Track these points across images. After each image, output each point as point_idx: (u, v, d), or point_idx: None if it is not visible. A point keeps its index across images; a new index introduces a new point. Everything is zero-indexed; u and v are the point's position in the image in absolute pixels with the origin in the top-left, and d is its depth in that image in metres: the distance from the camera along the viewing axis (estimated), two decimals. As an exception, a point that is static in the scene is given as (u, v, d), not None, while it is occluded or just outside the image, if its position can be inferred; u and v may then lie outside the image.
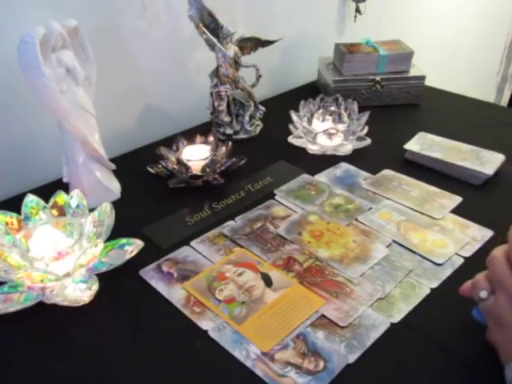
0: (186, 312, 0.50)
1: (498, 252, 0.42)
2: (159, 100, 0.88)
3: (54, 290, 0.51)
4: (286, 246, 0.59)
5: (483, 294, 0.42)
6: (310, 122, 0.80)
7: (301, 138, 0.80)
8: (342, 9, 1.14)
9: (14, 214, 0.55)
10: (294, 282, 0.54)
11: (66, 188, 0.64)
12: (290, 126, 0.81)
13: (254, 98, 0.86)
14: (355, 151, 0.78)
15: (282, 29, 1.01)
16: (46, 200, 0.58)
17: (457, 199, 0.67)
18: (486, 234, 0.60)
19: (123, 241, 0.57)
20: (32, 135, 0.72)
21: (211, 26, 0.76)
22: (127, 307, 0.52)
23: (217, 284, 0.53)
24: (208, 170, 0.69)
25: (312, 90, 1.02)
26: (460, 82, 1.57)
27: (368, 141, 0.78)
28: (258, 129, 0.87)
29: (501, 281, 0.40)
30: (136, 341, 0.48)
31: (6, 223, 0.54)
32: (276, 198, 0.69)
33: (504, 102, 2.07)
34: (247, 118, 0.86)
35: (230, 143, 0.74)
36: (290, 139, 0.81)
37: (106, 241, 0.56)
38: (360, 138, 0.79)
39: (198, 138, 0.74)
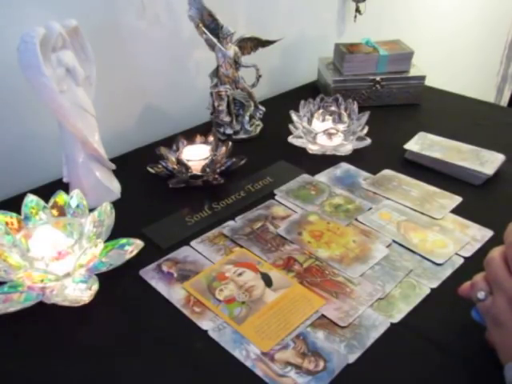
0: (186, 312, 0.50)
1: (495, 253, 0.42)
2: (159, 100, 0.88)
3: (54, 289, 0.51)
4: (286, 246, 0.59)
5: (481, 294, 0.42)
6: (310, 122, 0.80)
7: (301, 138, 0.80)
8: (342, 9, 1.14)
9: (14, 214, 0.55)
10: (294, 282, 0.54)
11: (66, 188, 0.64)
12: (290, 126, 0.81)
13: (253, 98, 0.86)
14: (355, 151, 0.78)
15: (282, 29, 1.01)
16: (46, 200, 0.58)
17: (457, 199, 0.67)
18: (486, 233, 0.60)
19: (123, 241, 0.57)
20: (32, 135, 0.72)
21: (211, 26, 0.76)
22: (127, 307, 0.52)
23: (217, 284, 0.53)
24: (208, 170, 0.69)
25: (312, 90, 1.02)
26: (460, 82, 1.57)
27: (368, 141, 0.78)
28: (258, 129, 0.87)
29: (498, 282, 0.41)
30: (136, 341, 0.48)
31: (6, 223, 0.54)
32: (276, 198, 0.69)
33: (504, 102, 2.07)
34: (247, 117, 0.86)
35: (230, 143, 0.73)
36: (290, 139, 0.81)
37: (106, 241, 0.57)
38: (360, 138, 0.79)
39: (198, 138, 0.74)
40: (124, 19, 0.76)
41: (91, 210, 0.58)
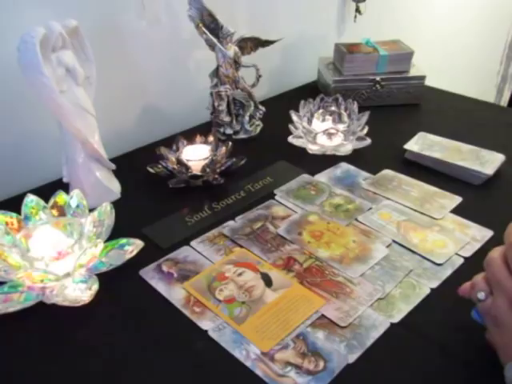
0: (186, 312, 0.50)
1: (495, 253, 0.42)
2: (159, 100, 0.88)
3: (54, 290, 0.51)
4: (286, 246, 0.59)
5: (481, 295, 0.42)
6: (310, 122, 0.80)
7: (301, 138, 0.80)
8: (342, 9, 1.14)
9: (14, 214, 0.55)
10: (293, 282, 0.54)
11: (66, 188, 0.64)
12: (290, 126, 0.81)
13: (253, 98, 0.86)
14: (355, 151, 0.78)
15: (282, 29, 1.01)
16: (46, 200, 0.58)
17: (457, 199, 0.67)
18: (486, 234, 0.60)
19: (123, 241, 0.57)
20: (32, 135, 0.72)
21: (211, 26, 0.76)
22: (127, 307, 0.52)
23: (217, 284, 0.53)
24: (208, 169, 0.69)
25: (312, 90, 1.02)
26: (460, 82, 1.57)
27: (368, 141, 0.78)
28: (258, 129, 0.87)
29: (498, 282, 0.40)
30: (136, 341, 0.48)
31: (6, 223, 0.54)
32: (276, 198, 0.69)
33: (504, 102, 2.07)
34: (247, 118, 0.86)
35: (230, 143, 0.73)
36: (290, 139, 0.81)
37: (106, 241, 0.57)
38: (360, 138, 0.79)
39: (198, 138, 0.74)
40: (124, 19, 0.76)
41: (91, 210, 0.58)
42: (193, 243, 0.60)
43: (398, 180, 0.72)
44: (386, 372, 0.44)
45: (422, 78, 0.96)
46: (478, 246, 0.58)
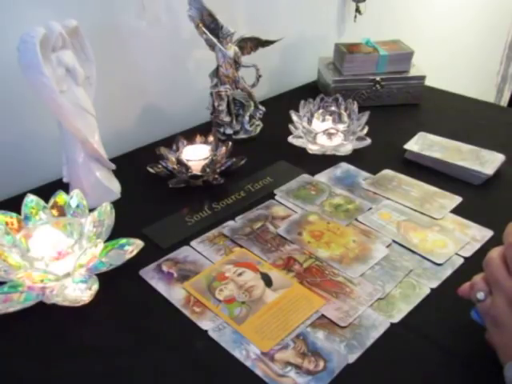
0: (186, 312, 0.50)
1: (494, 253, 0.42)
2: (159, 100, 0.88)
3: (54, 289, 0.51)
4: (286, 246, 0.59)
5: (480, 295, 0.42)
6: (310, 122, 0.80)
7: (301, 138, 0.80)
8: (342, 9, 1.14)
9: (14, 214, 0.55)
10: (293, 282, 0.54)
11: (66, 188, 0.64)
12: (290, 126, 0.81)
13: (253, 97, 0.86)
14: (355, 151, 0.78)
15: (282, 29, 1.01)
16: (46, 200, 0.58)
17: (457, 199, 0.67)
18: (486, 234, 0.60)
19: (123, 241, 0.57)
20: (32, 135, 0.72)
21: (211, 26, 0.76)
22: (127, 307, 0.52)
23: (217, 284, 0.53)
24: (208, 169, 0.69)
25: (312, 90, 1.02)
26: (460, 81, 1.57)
27: (368, 141, 0.78)
28: (258, 129, 0.87)
29: (497, 282, 0.41)
30: (136, 341, 0.48)
31: (6, 223, 0.54)
32: (276, 198, 0.69)
33: (504, 102, 2.07)
34: (247, 118, 0.86)
35: (230, 143, 0.73)
36: (290, 139, 0.81)
37: (106, 241, 0.57)
38: (360, 138, 0.79)
39: (198, 138, 0.74)
40: (124, 19, 0.76)
41: (91, 210, 0.58)
42: (193, 243, 0.60)
43: (397, 180, 0.72)
44: (386, 372, 0.44)
45: (422, 77, 0.95)
46: (477, 245, 0.58)
